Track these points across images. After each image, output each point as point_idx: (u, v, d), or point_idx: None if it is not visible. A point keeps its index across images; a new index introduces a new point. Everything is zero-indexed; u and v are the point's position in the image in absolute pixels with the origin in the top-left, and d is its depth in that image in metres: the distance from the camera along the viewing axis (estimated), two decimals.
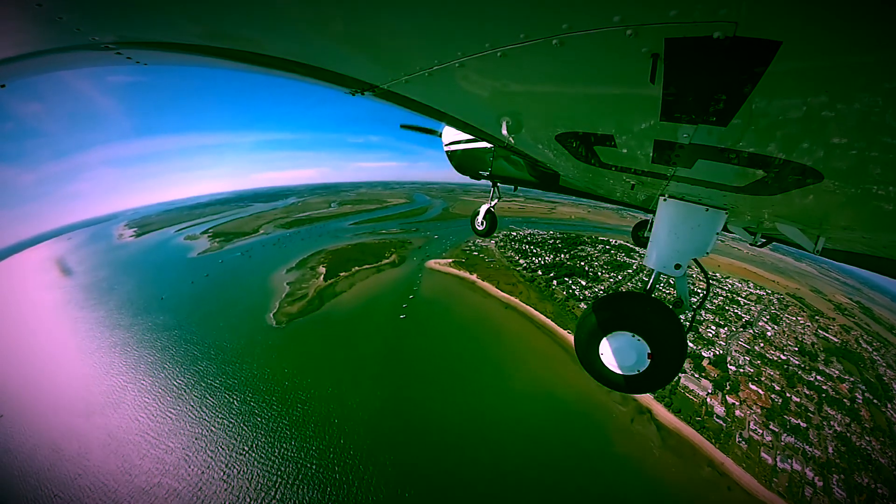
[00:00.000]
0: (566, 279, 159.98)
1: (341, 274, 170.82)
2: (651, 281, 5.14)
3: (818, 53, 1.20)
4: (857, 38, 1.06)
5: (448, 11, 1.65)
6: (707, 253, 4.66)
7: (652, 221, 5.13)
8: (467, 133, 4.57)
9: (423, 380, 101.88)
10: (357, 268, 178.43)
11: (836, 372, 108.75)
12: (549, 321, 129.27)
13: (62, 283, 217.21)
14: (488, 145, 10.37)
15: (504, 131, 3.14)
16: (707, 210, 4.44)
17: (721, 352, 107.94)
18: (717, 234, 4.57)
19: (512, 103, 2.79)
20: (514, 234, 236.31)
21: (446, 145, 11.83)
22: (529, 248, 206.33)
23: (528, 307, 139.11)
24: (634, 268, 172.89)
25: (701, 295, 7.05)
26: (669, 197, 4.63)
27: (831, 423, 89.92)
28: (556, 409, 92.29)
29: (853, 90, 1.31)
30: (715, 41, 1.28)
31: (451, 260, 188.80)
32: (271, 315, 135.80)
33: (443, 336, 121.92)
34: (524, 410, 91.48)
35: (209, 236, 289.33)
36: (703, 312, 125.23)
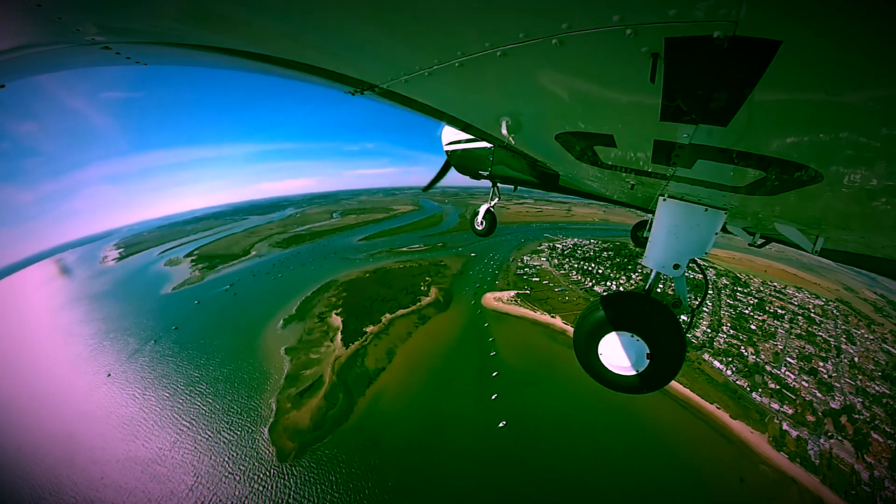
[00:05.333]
0: None
1: (368, 329, 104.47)
2: (650, 281, 4.77)
3: (818, 53, 1.13)
4: (857, 38, 1.00)
5: (448, 11, 1.54)
6: (706, 253, 4.32)
7: (651, 221, 4.78)
8: (467, 133, 4.14)
9: None
10: (388, 315, 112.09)
11: None
12: (694, 396, 79.33)
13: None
14: (488, 145, 9.33)
15: (504, 131, 2.93)
16: (706, 210, 4.13)
17: (843, 398, 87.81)
18: (716, 234, 4.27)
19: (512, 103, 2.63)
20: (558, 245, 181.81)
21: (446, 145, 10.63)
22: (589, 265, 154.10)
23: None
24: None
25: (708, 294, 3.87)
26: (669, 197, 4.31)
27: None
28: None
29: (853, 90, 1.23)
30: (715, 41, 1.21)
31: (513, 293, 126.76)
32: (266, 434, 71.39)
33: (594, 475, 59.90)
34: None
35: (192, 260, 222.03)
36: (802, 344, 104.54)
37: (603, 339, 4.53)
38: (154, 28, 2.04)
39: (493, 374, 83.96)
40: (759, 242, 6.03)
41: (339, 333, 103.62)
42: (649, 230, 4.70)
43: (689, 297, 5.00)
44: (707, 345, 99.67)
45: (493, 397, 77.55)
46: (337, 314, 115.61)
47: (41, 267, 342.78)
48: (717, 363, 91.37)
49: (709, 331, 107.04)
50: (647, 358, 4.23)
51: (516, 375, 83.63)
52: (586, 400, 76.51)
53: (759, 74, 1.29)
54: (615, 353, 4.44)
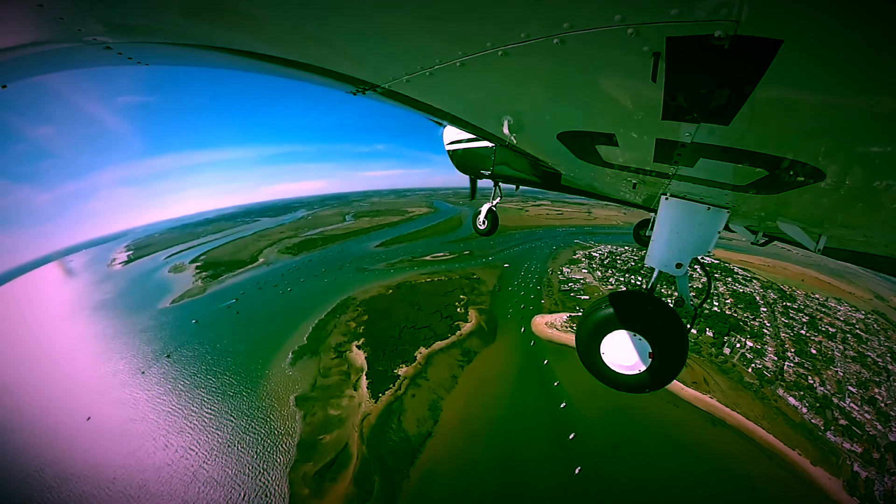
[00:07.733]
0: (726, 338, 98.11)
1: (400, 371, 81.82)
2: (652, 280, 4.68)
3: (819, 52, 1.11)
4: (859, 37, 0.98)
5: (449, 11, 1.52)
6: (709, 252, 4.23)
7: (653, 220, 4.68)
8: (469, 132, 3.91)
9: None
10: (423, 349, 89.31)
11: None
12: (778, 443, 66.92)
13: None
14: (490, 144, 9.15)
15: (506, 130, 2.91)
16: (709, 209, 4.04)
17: None
18: (719, 232, 4.19)
19: (513, 102, 2.58)
20: (594, 253, 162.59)
21: (447, 145, 10.33)
22: (637, 278, 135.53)
23: (742, 419, 71.23)
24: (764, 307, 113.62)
25: (706, 292, 5.50)
26: (671, 196, 4.22)
27: None
28: None
29: (854, 88, 1.21)
30: (716, 40, 1.19)
31: (565, 316, 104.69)
32: None
33: None
34: None
35: (197, 267, 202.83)
36: (857, 368, 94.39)
37: (605, 339, 4.45)
38: (155, 28, 1.99)
39: (571, 437, 62.12)
40: (761, 241, 5.86)
41: (364, 377, 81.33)
42: (651, 229, 4.58)
43: (692, 296, 4.98)
44: (778, 377, 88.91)
45: (577, 471, 55.87)
46: (358, 347, 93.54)
47: (53, 267, 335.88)
48: (791, 399, 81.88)
49: (776, 359, 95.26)
50: (650, 357, 4.17)
51: (597, 434, 62.68)
52: (678, 461, 58.69)
53: (760, 73, 1.27)
54: (617, 351, 4.37)
